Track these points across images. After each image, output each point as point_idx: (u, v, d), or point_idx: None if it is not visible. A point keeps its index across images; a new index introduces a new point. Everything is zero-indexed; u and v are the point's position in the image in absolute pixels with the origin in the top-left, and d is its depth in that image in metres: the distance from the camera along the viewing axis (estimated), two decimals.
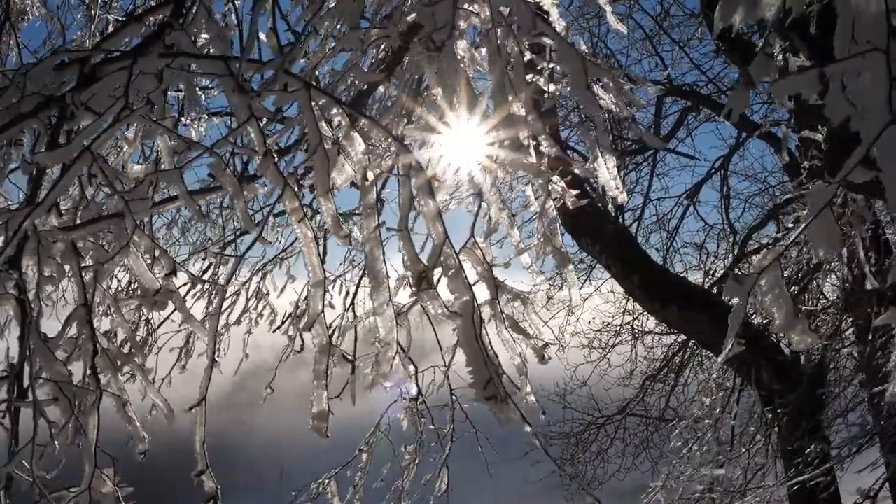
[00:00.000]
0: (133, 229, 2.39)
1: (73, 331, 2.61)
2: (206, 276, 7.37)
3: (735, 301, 1.99)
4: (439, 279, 2.37)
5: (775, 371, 8.91)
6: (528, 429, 2.31)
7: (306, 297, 7.00)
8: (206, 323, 2.62)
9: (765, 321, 9.66)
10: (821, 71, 1.88)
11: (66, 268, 2.44)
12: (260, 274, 7.70)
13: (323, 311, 2.43)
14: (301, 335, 7.51)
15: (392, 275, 2.44)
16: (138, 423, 2.51)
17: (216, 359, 2.41)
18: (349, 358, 2.52)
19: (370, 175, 2.46)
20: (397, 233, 2.40)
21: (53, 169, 2.74)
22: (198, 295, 7.09)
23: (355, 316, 6.38)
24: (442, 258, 2.37)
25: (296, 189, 2.39)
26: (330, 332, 7.12)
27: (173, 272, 2.66)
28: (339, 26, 3.82)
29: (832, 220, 1.87)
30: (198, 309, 7.07)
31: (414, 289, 2.31)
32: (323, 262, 2.46)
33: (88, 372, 2.40)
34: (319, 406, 2.41)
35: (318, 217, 5.52)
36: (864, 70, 1.79)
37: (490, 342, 2.36)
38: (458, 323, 2.28)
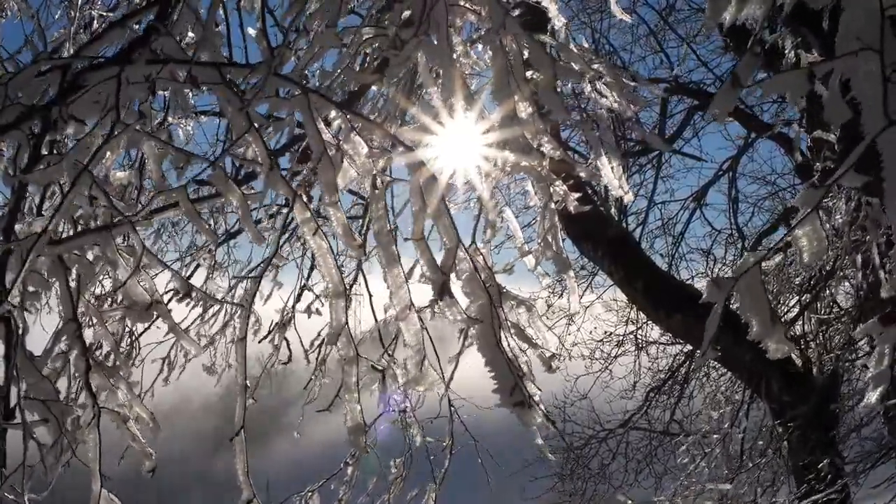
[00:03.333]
0: (143, 251, 2.44)
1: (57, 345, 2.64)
2: (194, 281, 7.40)
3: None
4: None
5: (786, 383, 8.93)
6: (539, 440, 2.34)
7: (306, 308, 7.04)
8: (192, 344, 2.65)
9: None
10: (809, 70, 1.91)
11: (53, 281, 2.47)
12: (246, 281, 7.72)
13: (347, 322, 2.46)
14: (288, 344, 7.54)
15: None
16: (143, 440, 2.54)
17: (248, 384, 2.44)
18: (378, 368, 2.55)
19: (379, 182, 2.49)
20: (414, 242, 2.43)
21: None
22: (192, 304, 7.11)
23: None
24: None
25: (305, 200, 2.41)
26: (320, 338, 7.12)
27: (188, 294, 2.70)
28: (323, 23, 3.85)
29: (819, 226, 1.90)
30: (180, 314, 7.11)
31: (436, 298, 2.33)
32: (341, 272, 2.49)
33: (83, 389, 2.42)
34: (354, 420, 2.45)
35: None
36: (859, 70, 1.82)
37: (510, 345, 2.39)
38: (477, 328, 2.30)
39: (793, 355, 9.35)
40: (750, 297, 1.98)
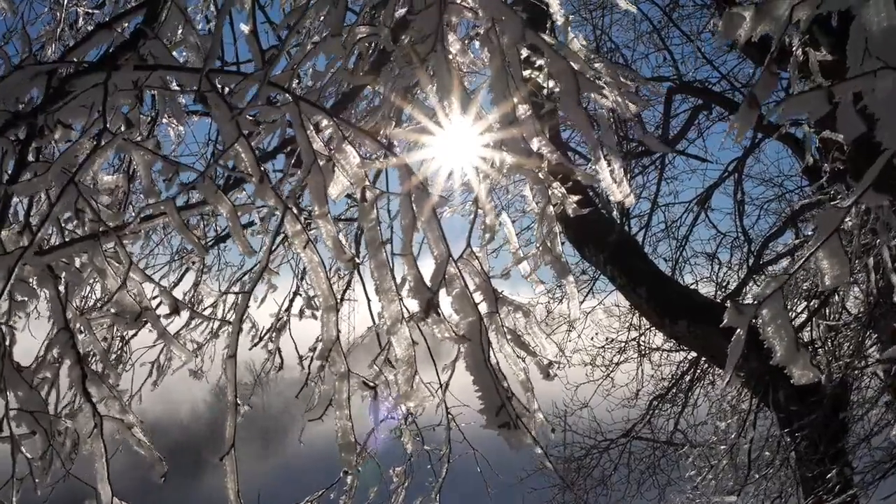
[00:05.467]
0: (129, 266, 2.45)
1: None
2: (184, 284, 7.47)
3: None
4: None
5: (794, 391, 8.93)
6: (538, 450, 2.35)
7: (298, 311, 7.07)
8: (180, 354, 2.67)
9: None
10: (829, 90, 1.93)
11: (42, 291, 2.49)
12: (238, 284, 7.77)
13: (338, 337, 2.46)
14: (279, 351, 7.58)
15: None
16: (151, 445, 2.54)
17: (239, 402, 2.44)
18: (370, 384, 2.56)
19: (369, 194, 2.50)
20: (401, 257, 2.43)
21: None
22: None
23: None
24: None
25: (296, 212, 2.43)
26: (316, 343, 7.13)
27: (176, 311, 2.71)
28: (320, 23, 3.86)
29: (840, 249, 1.92)
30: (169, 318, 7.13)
31: (421, 316, 2.33)
32: (331, 286, 2.50)
33: (82, 399, 2.43)
34: (346, 437, 2.46)
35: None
36: (877, 88, 1.84)
37: (497, 363, 2.39)
38: (465, 346, 2.31)
39: None
40: (773, 323, 2.00)
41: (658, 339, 13.41)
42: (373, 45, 3.90)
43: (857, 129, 1.94)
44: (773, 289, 1.98)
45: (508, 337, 2.68)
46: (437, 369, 2.61)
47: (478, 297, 2.72)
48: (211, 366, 7.77)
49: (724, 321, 2.05)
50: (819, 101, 1.96)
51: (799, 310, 10.36)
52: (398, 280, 2.48)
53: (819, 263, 1.94)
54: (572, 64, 2.73)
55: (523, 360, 2.73)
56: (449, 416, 5.52)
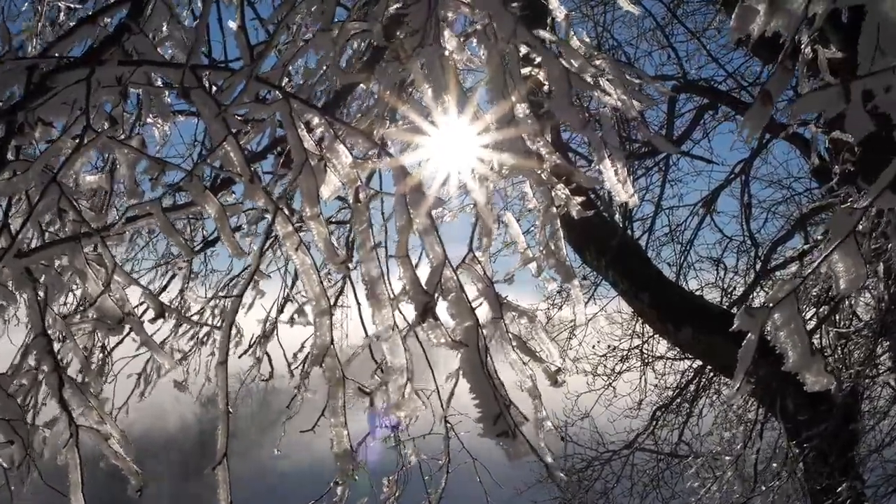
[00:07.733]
0: (113, 268, 2.44)
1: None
2: (170, 290, 7.45)
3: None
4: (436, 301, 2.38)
5: (802, 400, 8.91)
6: (549, 459, 2.33)
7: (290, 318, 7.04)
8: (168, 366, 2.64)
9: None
10: (845, 87, 1.91)
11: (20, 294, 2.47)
12: (227, 290, 7.75)
13: (332, 342, 2.44)
14: (269, 358, 7.56)
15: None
16: (128, 458, 2.53)
17: (230, 410, 2.43)
18: (366, 390, 2.54)
19: (362, 195, 2.48)
20: (397, 260, 2.41)
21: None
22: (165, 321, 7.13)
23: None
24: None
25: (287, 213, 2.41)
26: (304, 351, 7.10)
27: (161, 315, 2.69)
28: (310, 20, 3.85)
29: (856, 251, 1.91)
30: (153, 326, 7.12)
31: (418, 320, 2.31)
32: (325, 289, 2.48)
33: (58, 407, 2.41)
34: (341, 445, 2.44)
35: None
36: (894, 85, 1.82)
37: (495, 369, 2.38)
38: (462, 352, 2.29)
39: None
40: (786, 327, 1.98)
41: (662, 347, 13.39)
42: (366, 42, 3.89)
43: (866, 129, 1.93)
44: (787, 292, 1.96)
45: (514, 343, 2.66)
46: (434, 377, 2.59)
47: (481, 302, 2.71)
48: (195, 377, 7.77)
49: (735, 325, 2.03)
50: (835, 99, 1.94)
51: (808, 316, 10.35)
52: (393, 284, 2.46)
53: (833, 267, 1.92)
54: (564, 62, 2.72)
55: (529, 367, 2.72)
56: (448, 425, 5.49)
